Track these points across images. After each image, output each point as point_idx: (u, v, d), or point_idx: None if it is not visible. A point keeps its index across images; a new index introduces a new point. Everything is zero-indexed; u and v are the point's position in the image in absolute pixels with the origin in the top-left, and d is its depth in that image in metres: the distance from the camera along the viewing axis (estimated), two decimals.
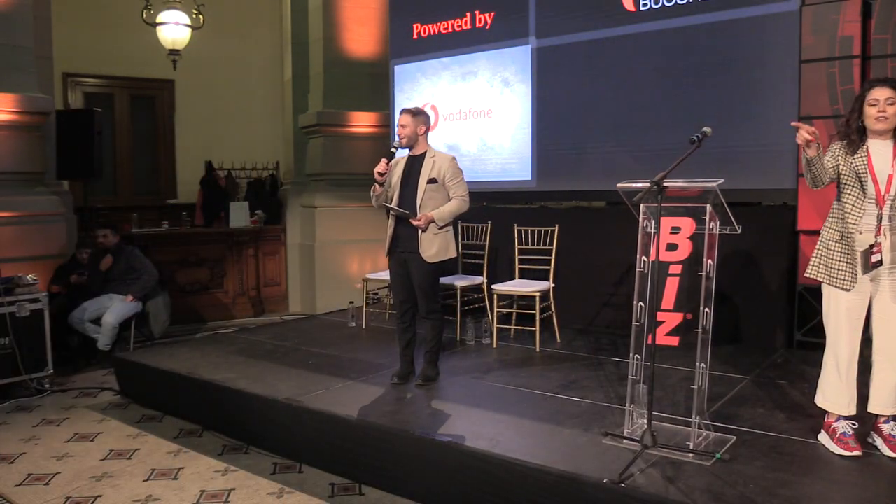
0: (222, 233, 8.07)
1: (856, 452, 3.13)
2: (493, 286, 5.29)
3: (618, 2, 5.68)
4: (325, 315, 6.93)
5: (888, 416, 3.19)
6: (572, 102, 5.96)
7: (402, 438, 3.54)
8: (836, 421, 3.23)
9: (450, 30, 6.78)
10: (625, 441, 3.27)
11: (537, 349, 5.09)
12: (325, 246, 8.00)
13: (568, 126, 5.98)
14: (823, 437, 3.29)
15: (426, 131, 4.31)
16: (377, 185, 4.24)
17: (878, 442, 3.20)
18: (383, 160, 4.18)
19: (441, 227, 4.22)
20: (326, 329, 6.16)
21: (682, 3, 5.40)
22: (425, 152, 4.28)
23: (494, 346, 5.26)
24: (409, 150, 4.32)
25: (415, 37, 7.08)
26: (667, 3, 5.47)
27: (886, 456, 3.13)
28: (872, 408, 3.20)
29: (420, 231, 4.16)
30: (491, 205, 6.33)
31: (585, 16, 5.85)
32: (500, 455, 3.21)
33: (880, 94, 3.09)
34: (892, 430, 3.17)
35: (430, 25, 6.94)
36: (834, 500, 2.82)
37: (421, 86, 7.02)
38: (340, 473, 3.74)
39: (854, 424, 3.21)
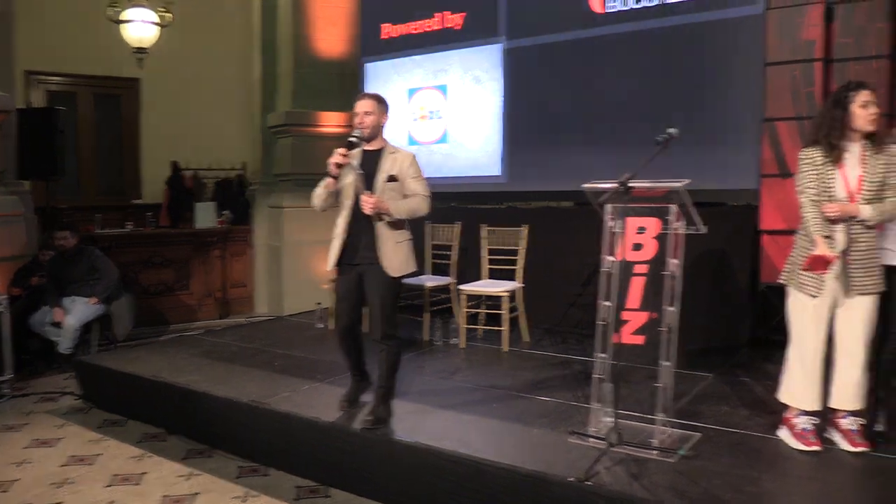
0: (188, 233, 7.96)
1: (815, 447, 3.19)
2: (462, 286, 5.29)
3: (585, 4, 5.73)
4: (292, 316, 6.87)
5: (847, 412, 3.25)
6: (542, 102, 6.01)
7: (369, 440, 3.52)
8: (796, 417, 3.29)
9: (420, 30, 6.79)
10: (591, 439, 3.29)
11: (505, 349, 5.10)
12: (292, 247, 7.93)
13: (538, 125, 6.03)
14: (783, 433, 3.34)
15: (385, 123, 3.76)
16: (329, 180, 3.60)
17: (836, 437, 3.26)
18: (341, 150, 3.55)
19: (397, 230, 3.62)
20: (293, 330, 6.11)
21: (648, 5, 5.46)
22: (383, 148, 3.70)
23: (462, 346, 5.26)
24: (365, 145, 3.69)
25: (384, 36, 7.08)
26: (634, 6, 5.52)
27: (845, 450, 3.19)
28: (833, 403, 3.26)
29: (380, 239, 3.58)
30: (460, 205, 6.35)
31: (554, 18, 5.90)
32: (467, 455, 3.20)
33: (867, 97, 3.12)
34: (851, 424, 3.24)
35: (400, 26, 6.95)
36: (796, 494, 2.87)
37: (394, 83, 7.01)
38: (306, 476, 3.70)
39: (814, 420, 3.27)
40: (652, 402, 3.28)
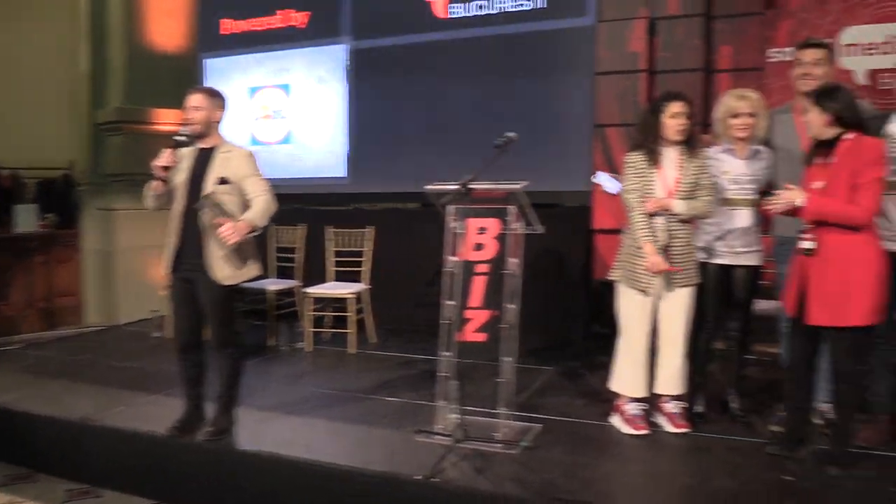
0: (6, 238, 7.27)
1: (643, 431, 3.43)
2: (307, 289, 5.21)
3: (428, 9, 5.82)
4: (127, 325, 6.48)
5: (670, 397, 3.51)
6: (387, 104, 6.03)
7: (211, 452, 3.38)
8: (626, 403, 3.52)
9: (262, 27, 6.62)
10: (437, 437, 3.35)
11: (352, 351, 5.07)
12: (125, 251, 7.45)
13: (383, 127, 6.06)
14: (615, 420, 3.56)
15: (220, 119, 3.49)
16: (155, 183, 3.35)
17: (662, 420, 3.53)
18: (167, 151, 3.31)
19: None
20: (128, 340, 5.77)
21: (490, 13, 5.64)
22: (216, 146, 3.43)
23: (309, 350, 5.18)
24: (198, 142, 3.44)
25: (223, 31, 6.83)
26: (476, 13, 5.68)
27: (669, 432, 3.45)
28: (658, 388, 3.51)
29: (211, 245, 3.32)
30: (305, 206, 6.24)
31: (399, 20, 5.95)
32: (314, 460, 3.16)
33: (678, 107, 3.36)
34: (674, 408, 3.51)
35: (241, 21, 6.74)
36: (627, 475, 3.08)
37: (234, 80, 6.77)
38: (147, 495, 3.48)
39: (643, 406, 3.52)
40: (495, 397, 3.38)
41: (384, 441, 3.42)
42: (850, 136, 2.92)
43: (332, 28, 6.28)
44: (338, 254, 5.51)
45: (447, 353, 3.43)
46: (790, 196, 2.95)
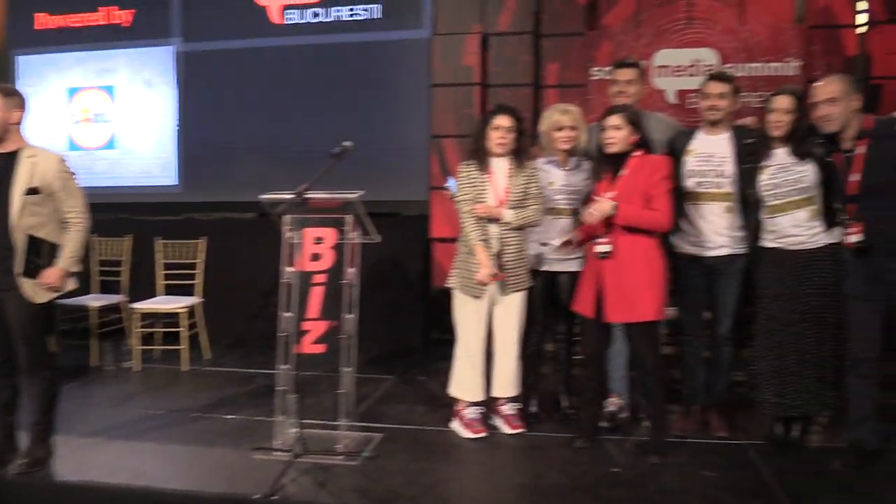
0: None
1: (482, 434, 3.54)
2: (134, 304, 4.92)
3: (264, 13, 5.69)
4: None
5: (506, 399, 3.64)
6: (221, 110, 5.84)
7: (27, 486, 3.08)
8: (466, 408, 3.61)
9: (82, 24, 6.17)
10: (276, 453, 3.26)
11: (185, 369, 4.84)
12: None
13: (216, 133, 5.85)
14: (455, 424, 3.65)
15: (20, 120, 3.13)
16: None
17: (499, 422, 3.65)
18: None
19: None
20: None
21: (325, 20, 5.61)
22: (20, 150, 3.09)
23: (137, 369, 4.87)
24: None
25: (38, 27, 6.30)
26: (312, 20, 5.62)
27: (505, 433, 3.58)
28: (495, 392, 3.63)
29: (17, 262, 3.04)
30: (131, 216, 5.88)
31: (232, 24, 5.79)
32: (143, 487, 2.98)
33: (503, 121, 3.50)
34: (510, 409, 3.65)
35: (59, 17, 6.24)
36: (466, 478, 3.15)
37: (51, 81, 6.26)
38: None
39: (480, 409, 3.62)
40: (336, 408, 3.35)
41: (221, 461, 3.29)
42: (638, 152, 3.25)
43: (159, 28, 5.98)
44: (168, 266, 5.23)
45: (285, 367, 3.36)
46: (604, 206, 3.17)
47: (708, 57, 4.93)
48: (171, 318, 4.99)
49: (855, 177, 3.00)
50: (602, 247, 3.23)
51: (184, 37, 5.94)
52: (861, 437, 3.13)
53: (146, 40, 6.04)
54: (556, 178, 3.66)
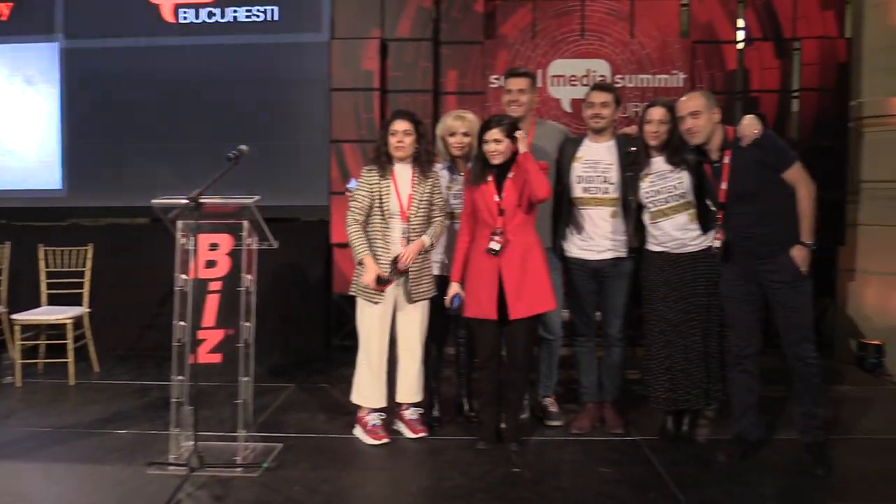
0: None
1: (385, 440, 3.54)
2: (15, 315, 4.65)
3: (156, 11, 5.49)
4: None
5: (409, 404, 3.66)
6: (110, 110, 5.57)
7: None
8: (368, 414, 3.60)
9: None
10: (171, 467, 3.16)
11: (72, 383, 4.60)
12: None
13: (104, 135, 5.57)
14: (357, 431, 3.63)
15: None
16: None
17: (402, 427, 3.66)
18: None
19: None
20: None
21: (221, 21, 5.46)
22: None
23: (18, 385, 4.58)
24: None
25: None
26: (207, 20, 5.47)
27: (409, 438, 3.60)
28: (399, 397, 3.64)
29: None
30: (10, 222, 5.54)
31: (122, 21, 5.54)
32: None
33: (400, 125, 3.51)
34: (412, 415, 3.67)
35: None
36: (369, 485, 3.14)
37: None
38: None
39: (382, 416, 3.62)
40: (234, 419, 3.27)
41: (113, 478, 3.14)
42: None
43: (41, 23, 5.64)
44: (52, 275, 4.96)
45: (180, 377, 3.26)
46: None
47: (600, 68, 5.13)
48: (56, 329, 4.74)
49: (724, 185, 3.19)
50: (494, 244, 3.32)
51: (69, 33, 5.64)
52: (744, 429, 3.34)
53: (26, 35, 5.69)
54: (454, 184, 3.73)
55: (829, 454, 3.21)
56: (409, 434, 3.62)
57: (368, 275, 3.42)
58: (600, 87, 3.65)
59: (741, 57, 5.18)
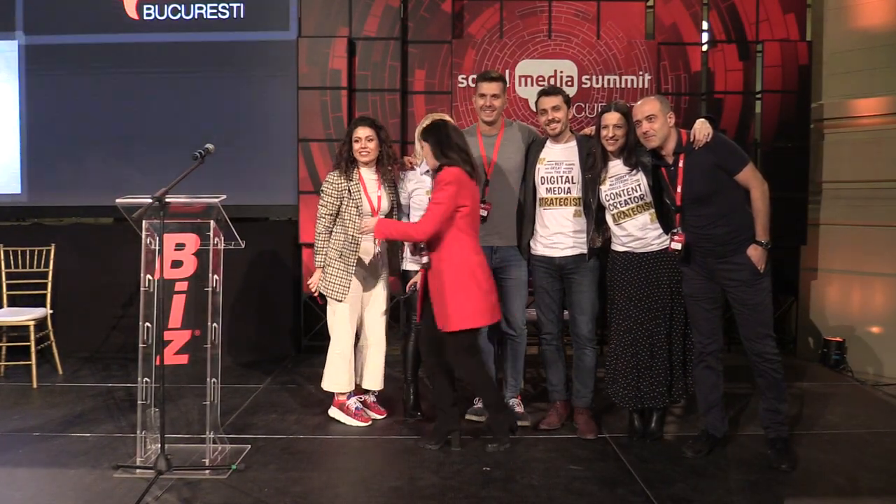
0: None
1: (367, 422, 3.77)
2: None
3: (120, 7, 5.40)
4: None
5: (373, 392, 3.93)
6: (72, 109, 5.47)
7: None
8: (348, 399, 3.81)
9: None
10: (138, 471, 3.12)
11: (35, 386, 4.51)
12: None
13: (67, 134, 5.47)
14: (339, 415, 3.81)
15: None
16: None
17: (368, 411, 3.88)
18: None
19: None
20: None
21: (186, 18, 5.39)
22: None
23: None
24: None
25: None
26: (172, 17, 5.40)
27: (376, 419, 3.85)
28: (366, 384, 3.88)
29: None
30: None
31: (83, 17, 5.44)
32: None
33: (362, 132, 3.65)
34: (371, 398, 3.94)
35: None
36: (340, 485, 3.12)
37: None
38: None
39: (362, 398, 3.86)
40: (202, 421, 3.24)
41: (78, 482, 3.09)
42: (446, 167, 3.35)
43: (0, 19, 5.51)
44: (13, 276, 4.86)
45: (146, 379, 3.21)
46: (366, 223, 3.45)
47: (567, 68, 5.17)
48: (17, 331, 4.64)
49: (680, 189, 3.24)
50: (423, 258, 3.45)
51: (28, 29, 5.52)
52: (710, 425, 3.39)
53: None
54: (419, 185, 3.79)
55: (793, 449, 3.29)
56: (375, 416, 3.87)
57: (314, 278, 3.72)
58: (547, 91, 3.64)
59: (705, 59, 5.27)
